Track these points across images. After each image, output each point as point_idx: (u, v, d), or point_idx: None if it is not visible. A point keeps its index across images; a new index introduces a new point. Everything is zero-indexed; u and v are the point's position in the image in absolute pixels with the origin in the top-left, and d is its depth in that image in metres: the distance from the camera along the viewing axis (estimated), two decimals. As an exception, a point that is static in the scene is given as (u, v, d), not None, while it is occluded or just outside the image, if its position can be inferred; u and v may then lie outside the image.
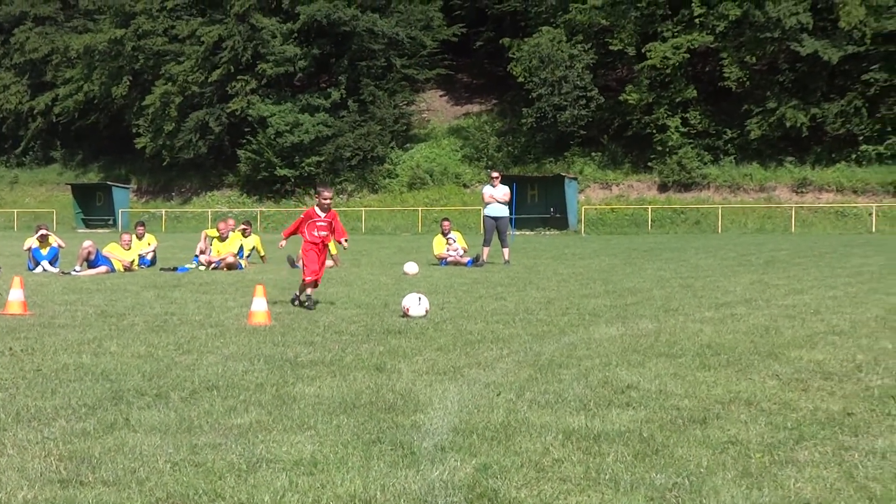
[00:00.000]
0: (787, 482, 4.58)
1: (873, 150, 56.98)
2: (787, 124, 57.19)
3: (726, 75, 58.71)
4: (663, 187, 60.91)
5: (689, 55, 59.30)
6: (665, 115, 60.22)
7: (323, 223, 13.46)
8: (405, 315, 11.61)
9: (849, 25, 55.40)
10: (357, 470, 4.85)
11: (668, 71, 59.43)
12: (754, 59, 58.30)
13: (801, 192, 57.79)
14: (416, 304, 11.69)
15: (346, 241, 13.80)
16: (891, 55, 56.26)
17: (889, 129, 56.81)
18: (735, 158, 60.51)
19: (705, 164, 60.28)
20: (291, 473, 4.76)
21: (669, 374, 7.57)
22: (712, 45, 59.27)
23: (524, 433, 5.65)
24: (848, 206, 54.86)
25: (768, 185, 58.72)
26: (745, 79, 58.79)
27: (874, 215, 52.58)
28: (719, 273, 19.61)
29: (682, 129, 60.12)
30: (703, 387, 7.04)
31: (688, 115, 60.55)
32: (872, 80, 56.67)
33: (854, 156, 57.81)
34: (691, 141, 60.34)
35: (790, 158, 59.07)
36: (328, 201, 13.51)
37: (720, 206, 56.11)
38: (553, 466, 4.96)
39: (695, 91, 59.79)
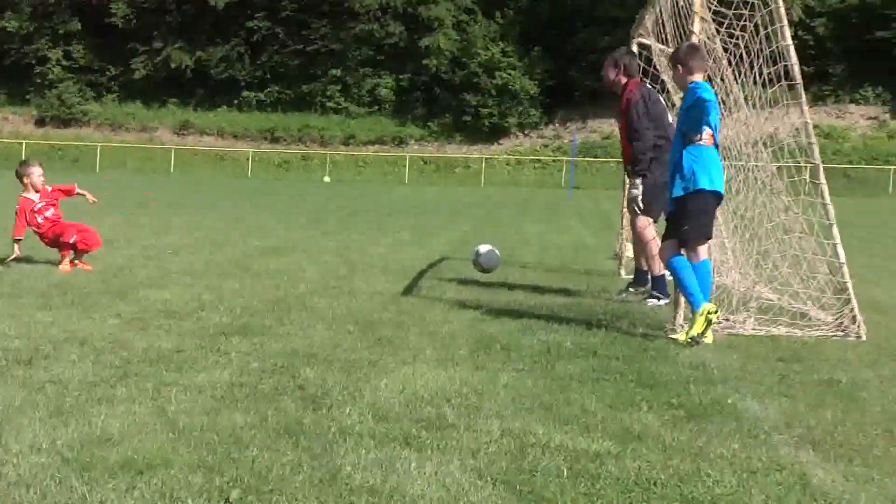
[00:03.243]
0: (97, 419, 4.58)
1: (254, 96, 59.26)
2: (172, 65, 57.67)
3: (113, 11, 57.77)
4: (41, 122, 58.71)
5: (73, -15, 57.56)
6: (46, 47, 58.03)
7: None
8: None
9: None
10: None
11: (51, 0, 57.20)
12: (141, -4, 58.00)
13: (183, 133, 58.60)
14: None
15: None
16: (274, 4, 58.60)
17: (269, 76, 59.27)
18: (118, 97, 59.90)
19: (87, 100, 59.00)
20: None
21: (6, 315, 7.27)
22: (99, -23, 57.96)
23: None
24: (227, 150, 56.54)
25: (150, 125, 58.84)
26: (132, 16, 58.25)
27: (251, 160, 54.69)
28: (86, 214, 19.25)
29: (65, 63, 58.34)
30: (39, 327, 6.83)
31: (71, 48, 58.82)
32: (256, 28, 58.76)
33: (236, 101, 59.68)
34: (73, 76, 58.72)
35: (173, 100, 59.62)
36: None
37: (100, 144, 55.15)
38: None
39: (79, 24, 58.17)
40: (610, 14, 53.00)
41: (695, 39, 7.79)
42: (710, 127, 7.32)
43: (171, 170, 53.14)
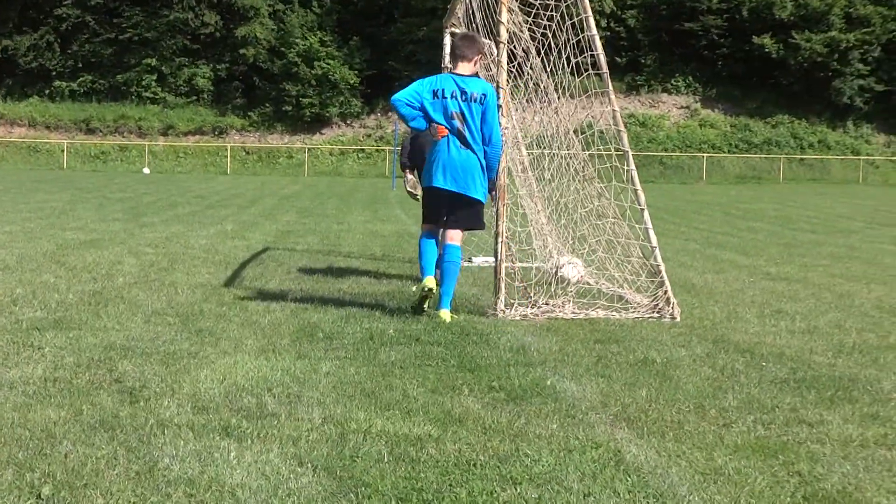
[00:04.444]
0: None
1: (66, 86, 57.30)
2: (-21, 54, 55.35)
3: None
4: None
5: None
6: None
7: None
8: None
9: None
10: None
11: None
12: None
13: (-8, 125, 56.38)
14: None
15: None
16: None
17: (81, 65, 57.42)
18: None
19: None
20: None
21: None
22: None
23: None
24: (40, 141, 54.59)
25: (-42, 116, 56.38)
26: (-71, 2, 55.60)
27: (66, 151, 52.97)
28: None
29: None
30: None
31: None
32: (65, 16, 56.81)
33: (48, 91, 57.63)
34: None
35: (-18, 92, 57.28)
36: None
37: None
38: None
39: None
40: (426, 4, 53.34)
41: (502, 29, 7.92)
42: (435, 121, 7.64)
43: (-21, 163, 51.02)
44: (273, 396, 5.02)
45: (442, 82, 7.68)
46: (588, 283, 9.02)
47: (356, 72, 56.37)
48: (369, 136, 57.20)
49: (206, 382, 5.27)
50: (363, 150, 55.70)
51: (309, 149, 54.68)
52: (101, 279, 9.34)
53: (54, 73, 57.46)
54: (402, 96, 7.66)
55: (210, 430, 4.41)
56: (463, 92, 7.61)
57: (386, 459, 4.06)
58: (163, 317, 7.35)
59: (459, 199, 7.75)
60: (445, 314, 7.54)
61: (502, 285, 7.84)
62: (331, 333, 6.81)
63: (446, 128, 7.63)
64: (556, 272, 8.80)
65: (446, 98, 7.61)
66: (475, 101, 7.61)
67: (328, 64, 55.76)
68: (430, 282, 7.60)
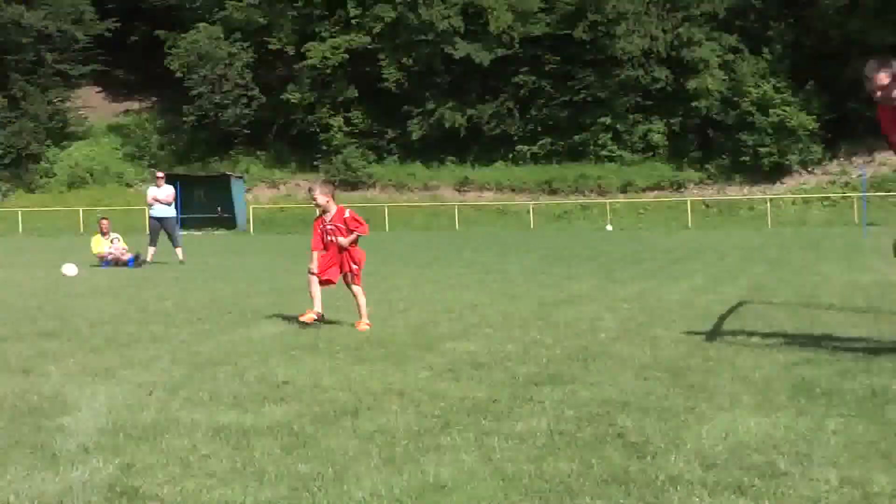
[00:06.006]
0: (428, 467, 4.72)
1: (527, 149, 59.94)
2: (446, 125, 59.13)
3: (385, 76, 59.95)
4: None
5: (347, 55, 60.01)
6: (328, 115, 60.86)
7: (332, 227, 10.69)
8: None
9: (498, 30, 58.05)
10: (-11, 478, 4.63)
11: (328, 71, 59.99)
12: (411, 60, 59.80)
13: (464, 190, 59.91)
14: None
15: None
16: (537, 58, 59.32)
17: (539, 129, 59.86)
18: (398, 157, 62.01)
19: (370, 162, 61.35)
20: None
21: (326, 369, 7.61)
22: (370, 46, 60.21)
23: (173, 431, 5.54)
24: (507, 203, 57.38)
25: (431, 183, 60.50)
26: (403, 80, 60.20)
27: (532, 212, 55.27)
28: (386, 270, 19.97)
29: (346, 129, 60.90)
30: (357, 380, 7.13)
31: (350, 114, 61.38)
32: (522, 83, 59.59)
33: (511, 155, 60.56)
34: (355, 140, 61.17)
35: (451, 158, 61.10)
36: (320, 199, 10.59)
37: (386, 204, 57.23)
38: (199, 462, 4.91)
39: (356, 91, 60.66)
40: (886, 40, 50.31)
41: None
42: None
43: (456, 226, 54.40)
44: (781, 455, 4.87)
45: None
46: None
47: (814, 117, 54.47)
48: (833, 182, 54.90)
49: (708, 439, 5.23)
50: (828, 197, 53.55)
51: (770, 199, 53.39)
52: (584, 334, 9.59)
53: (515, 137, 60.30)
54: None
55: (723, 487, 4.35)
56: None
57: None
58: (651, 371, 7.40)
59: None
60: None
61: None
62: (828, 389, 6.52)
63: None
64: None
65: None
66: None
67: (784, 111, 54.38)
68: None
